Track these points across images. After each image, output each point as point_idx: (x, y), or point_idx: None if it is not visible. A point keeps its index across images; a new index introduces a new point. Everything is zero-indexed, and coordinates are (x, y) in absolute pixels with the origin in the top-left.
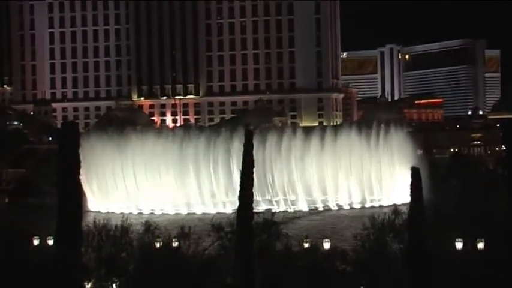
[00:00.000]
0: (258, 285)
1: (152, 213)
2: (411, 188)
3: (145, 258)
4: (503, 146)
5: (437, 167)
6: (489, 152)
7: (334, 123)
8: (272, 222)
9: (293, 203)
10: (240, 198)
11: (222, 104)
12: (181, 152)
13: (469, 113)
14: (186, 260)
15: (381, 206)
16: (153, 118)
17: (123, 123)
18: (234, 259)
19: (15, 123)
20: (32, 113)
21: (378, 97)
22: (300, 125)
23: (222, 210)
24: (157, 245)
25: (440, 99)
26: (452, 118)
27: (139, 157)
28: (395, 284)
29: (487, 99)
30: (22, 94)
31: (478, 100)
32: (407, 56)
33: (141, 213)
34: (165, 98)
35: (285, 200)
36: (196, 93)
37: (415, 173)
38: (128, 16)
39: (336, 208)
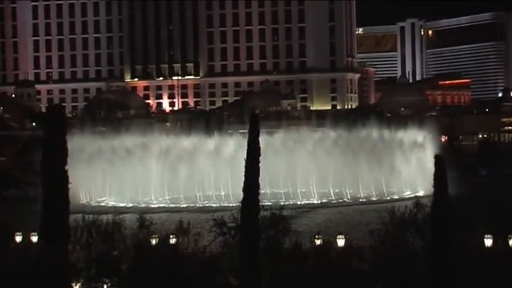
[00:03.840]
0: (264, 286)
1: (147, 206)
2: (435, 179)
3: (139, 256)
4: None
5: (464, 155)
6: None
7: (349, 107)
8: (280, 217)
9: (304, 195)
10: (245, 190)
11: (225, 85)
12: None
13: (500, 95)
14: (185, 259)
15: (401, 199)
16: (147, 101)
17: (115, 107)
18: (238, 257)
19: None
20: (13, 95)
21: (398, 77)
22: (311, 108)
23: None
24: (153, 241)
25: (468, 80)
26: (481, 101)
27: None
28: (417, 284)
29: None
30: (2, 75)
31: (509, 81)
32: (430, 32)
33: (135, 206)
34: (161, 78)
35: (295, 192)
36: (196, 74)
37: (439, 161)
38: None
39: (352, 201)
